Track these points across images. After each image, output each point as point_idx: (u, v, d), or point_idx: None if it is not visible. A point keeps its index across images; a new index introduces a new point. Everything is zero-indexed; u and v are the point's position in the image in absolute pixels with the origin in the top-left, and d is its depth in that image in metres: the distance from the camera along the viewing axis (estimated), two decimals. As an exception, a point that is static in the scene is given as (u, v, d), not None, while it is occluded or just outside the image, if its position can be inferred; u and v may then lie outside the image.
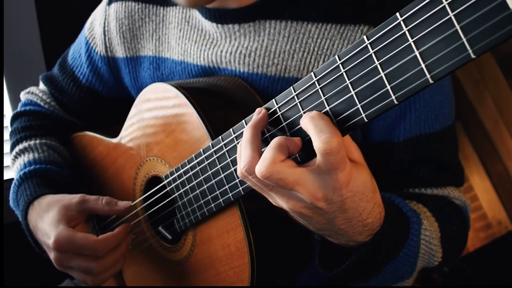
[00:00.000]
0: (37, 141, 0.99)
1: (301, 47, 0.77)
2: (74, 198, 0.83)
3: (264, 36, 0.79)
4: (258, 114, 0.60)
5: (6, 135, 1.51)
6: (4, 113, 1.50)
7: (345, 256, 0.65)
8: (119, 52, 0.96)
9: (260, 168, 0.54)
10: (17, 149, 1.00)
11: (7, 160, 1.52)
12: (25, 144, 1.00)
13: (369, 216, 0.59)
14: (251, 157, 0.57)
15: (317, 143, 0.52)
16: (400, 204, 0.70)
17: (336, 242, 0.64)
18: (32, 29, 1.46)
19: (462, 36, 0.43)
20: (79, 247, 0.78)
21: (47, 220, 0.82)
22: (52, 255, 0.80)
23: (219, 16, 0.81)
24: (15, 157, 0.99)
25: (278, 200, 0.59)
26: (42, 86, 1.09)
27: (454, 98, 0.84)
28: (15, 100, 1.46)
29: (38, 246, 0.88)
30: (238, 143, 0.65)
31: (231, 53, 0.81)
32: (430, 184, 0.80)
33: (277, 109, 0.59)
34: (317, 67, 0.76)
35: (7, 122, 1.50)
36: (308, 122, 0.54)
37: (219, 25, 0.82)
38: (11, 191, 0.93)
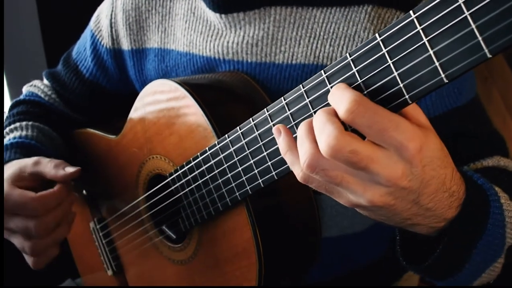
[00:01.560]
0: (29, 123, 0.99)
1: (307, 32, 0.78)
2: (32, 159, 0.82)
3: (270, 24, 0.80)
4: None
5: (7, 131, 1.51)
6: (5, 110, 1.50)
7: (428, 249, 0.61)
8: (125, 44, 0.97)
9: (328, 142, 0.48)
10: (7, 129, 1.00)
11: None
12: (16, 124, 1.00)
13: (453, 183, 0.55)
14: (312, 149, 0.51)
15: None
16: (464, 170, 0.65)
17: (422, 231, 0.58)
18: (33, 25, 1.46)
19: (478, 35, 0.43)
20: (15, 204, 0.76)
21: (5, 180, 0.80)
22: None
23: (223, 5, 0.81)
24: (3, 137, 0.99)
25: (351, 196, 0.52)
26: (45, 81, 1.11)
27: (474, 74, 0.82)
28: (15, 96, 1.47)
29: None
30: (245, 141, 0.65)
31: (237, 43, 0.82)
32: (474, 158, 0.77)
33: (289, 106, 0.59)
34: (324, 52, 0.78)
35: (7, 119, 1.51)
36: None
37: (223, 15, 0.82)
38: None
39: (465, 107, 0.79)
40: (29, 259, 0.82)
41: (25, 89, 1.12)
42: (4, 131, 1.00)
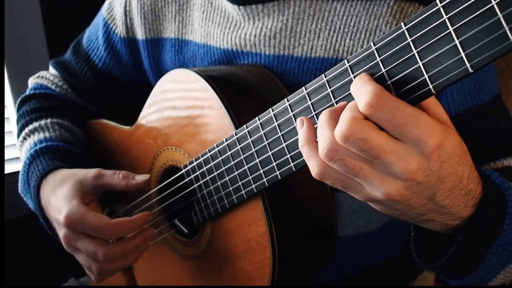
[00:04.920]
0: (48, 121, 1.01)
1: (326, 25, 0.81)
2: (90, 172, 0.84)
3: (289, 16, 0.82)
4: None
5: (7, 127, 1.55)
6: (5, 104, 1.53)
7: (443, 247, 0.63)
8: (139, 33, 0.99)
9: (340, 128, 0.51)
10: (26, 130, 1.01)
11: (7, 154, 1.56)
12: (35, 124, 1.01)
13: (470, 181, 0.57)
14: (331, 137, 0.53)
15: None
16: (482, 168, 0.66)
17: (436, 228, 0.61)
18: (34, 17, 1.49)
19: (505, 25, 0.45)
20: (89, 227, 0.77)
21: (60, 195, 0.82)
22: (61, 232, 0.81)
23: None
24: (24, 138, 1.00)
25: (368, 189, 0.54)
26: (52, 70, 1.12)
27: (497, 69, 0.84)
28: (16, 90, 1.50)
29: (51, 227, 0.89)
30: (264, 132, 0.68)
31: (255, 36, 0.85)
32: (494, 157, 0.79)
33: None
34: (344, 45, 0.80)
35: (8, 113, 1.54)
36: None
37: (241, 7, 0.85)
38: (20, 173, 0.94)
39: (486, 105, 0.80)
40: (91, 275, 0.84)
41: (32, 82, 1.13)
42: (23, 132, 1.01)
